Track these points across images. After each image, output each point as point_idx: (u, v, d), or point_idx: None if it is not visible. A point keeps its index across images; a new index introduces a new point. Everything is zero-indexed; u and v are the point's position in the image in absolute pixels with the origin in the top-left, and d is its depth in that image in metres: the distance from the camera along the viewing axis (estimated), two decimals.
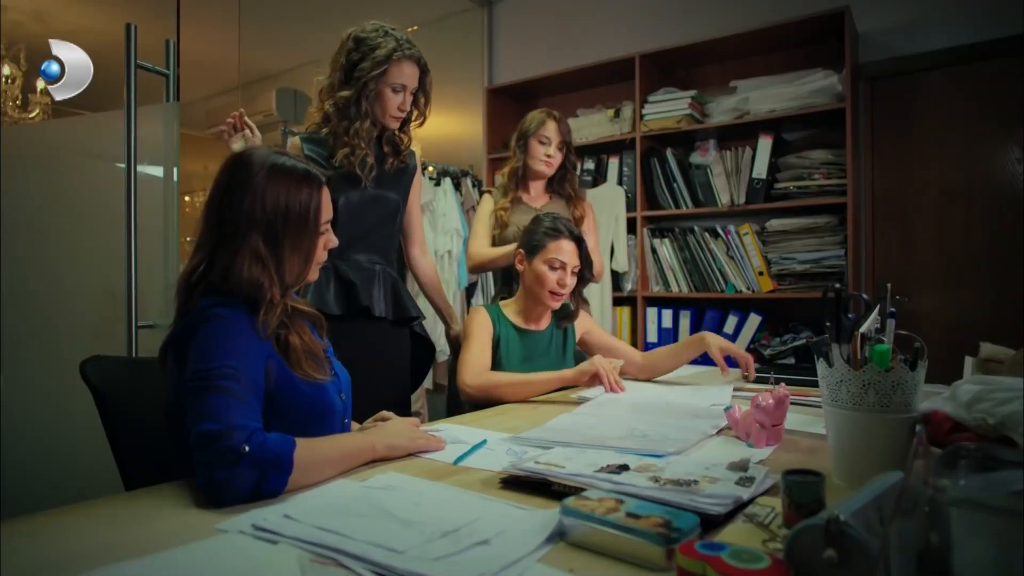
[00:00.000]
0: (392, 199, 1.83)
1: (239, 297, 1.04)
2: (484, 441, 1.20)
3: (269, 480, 0.87)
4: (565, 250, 1.80)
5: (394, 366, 1.83)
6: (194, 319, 1.01)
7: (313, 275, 1.17)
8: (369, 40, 1.69)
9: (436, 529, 0.74)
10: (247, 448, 0.86)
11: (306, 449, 0.92)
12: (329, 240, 1.17)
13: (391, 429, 1.14)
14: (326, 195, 1.14)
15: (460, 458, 1.09)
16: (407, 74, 1.72)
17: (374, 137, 1.77)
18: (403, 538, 0.71)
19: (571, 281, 1.83)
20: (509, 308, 1.91)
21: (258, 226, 1.05)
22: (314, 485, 0.92)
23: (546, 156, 2.27)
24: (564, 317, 1.94)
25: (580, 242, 1.84)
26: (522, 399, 1.66)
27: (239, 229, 1.05)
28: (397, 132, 1.83)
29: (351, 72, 1.69)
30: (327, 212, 1.14)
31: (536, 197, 2.35)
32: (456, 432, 1.27)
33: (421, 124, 1.87)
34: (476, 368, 1.72)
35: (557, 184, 2.35)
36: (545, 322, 1.92)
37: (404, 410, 1.81)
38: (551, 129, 2.27)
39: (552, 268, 1.80)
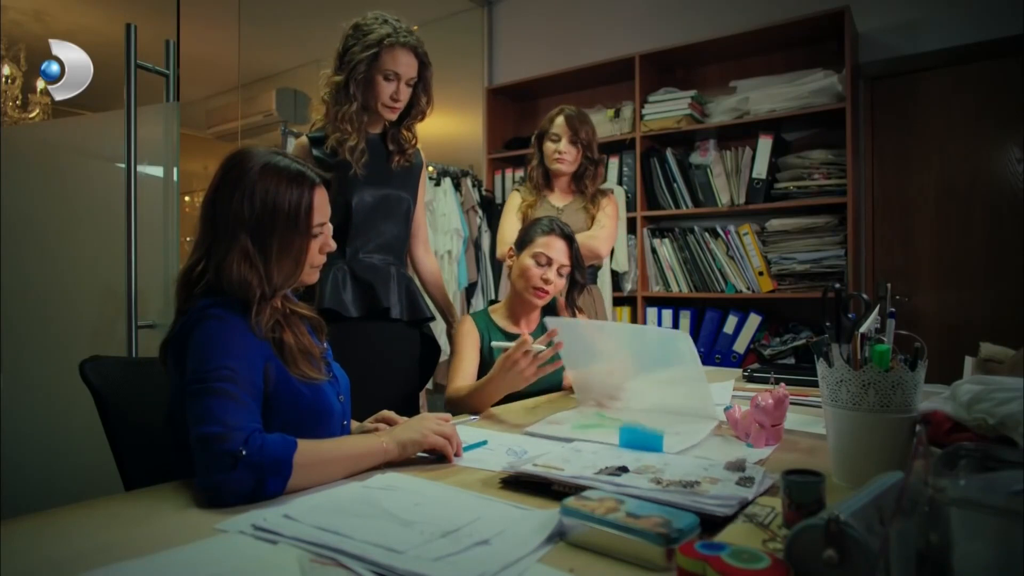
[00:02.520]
0: (404, 199, 1.82)
1: (233, 296, 1.03)
2: (485, 441, 1.20)
3: (267, 483, 0.87)
4: (552, 246, 1.77)
5: (406, 366, 1.83)
6: (191, 319, 1.01)
7: (309, 278, 1.15)
8: (365, 26, 1.66)
9: (436, 529, 0.74)
10: (244, 451, 0.86)
11: (308, 451, 0.92)
12: (326, 243, 1.14)
13: (405, 424, 1.11)
14: (320, 196, 1.11)
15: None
16: (401, 62, 1.67)
17: (364, 123, 1.72)
18: (403, 538, 0.71)
19: (556, 279, 1.77)
20: (498, 312, 1.88)
21: (247, 224, 1.04)
22: (318, 487, 0.92)
23: (557, 153, 2.23)
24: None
25: (571, 241, 1.80)
26: (478, 409, 1.53)
27: (229, 227, 1.04)
28: (403, 130, 1.80)
29: (344, 57, 1.67)
30: (321, 214, 1.11)
31: (559, 196, 2.32)
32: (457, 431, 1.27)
33: (422, 119, 1.83)
34: (455, 383, 1.66)
35: (579, 181, 2.31)
36: (535, 322, 1.87)
37: (413, 410, 1.81)
38: (559, 125, 2.23)
39: (538, 263, 1.76)
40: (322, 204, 1.12)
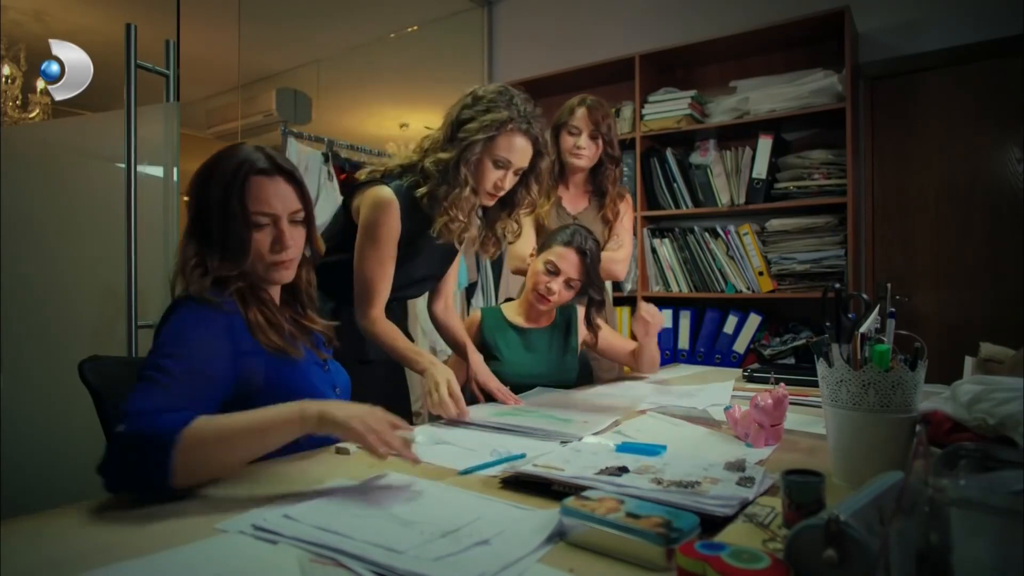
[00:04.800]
0: (439, 277, 1.79)
1: (189, 272, 1.06)
2: (523, 454, 1.09)
3: (147, 459, 0.82)
4: (565, 258, 1.78)
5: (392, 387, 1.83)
6: (168, 309, 1.05)
7: (270, 274, 1.12)
8: (488, 100, 1.50)
9: (436, 529, 0.74)
10: (123, 428, 0.84)
11: (204, 426, 0.86)
12: (279, 240, 1.10)
13: (349, 405, 0.95)
14: (259, 185, 1.07)
15: (472, 469, 1.03)
16: (516, 149, 1.51)
17: (476, 207, 1.57)
18: (403, 538, 0.71)
19: (561, 290, 1.79)
20: (511, 308, 1.94)
21: (198, 211, 1.09)
22: (230, 465, 0.86)
23: (576, 148, 2.08)
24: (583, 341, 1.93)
25: (584, 256, 1.78)
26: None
27: (191, 214, 1.10)
28: (511, 221, 1.67)
29: (457, 130, 1.51)
30: (261, 203, 1.07)
31: (576, 198, 2.19)
32: (458, 437, 1.26)
33: (532, 211, 1.73)
34: None
35: (596, 180, 2.17)
36: (546, 321, 1.93)
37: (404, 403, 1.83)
38: (579, 117, 2.08)
39: (547, 271, 1.79)
40: (262, 193, 1.08)
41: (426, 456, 1.09)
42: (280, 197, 1.10)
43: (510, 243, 1.75)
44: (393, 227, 1.52)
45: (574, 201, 2.22)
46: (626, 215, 2.20)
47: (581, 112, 2.09)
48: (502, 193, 1.57)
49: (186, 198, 1.20)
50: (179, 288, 1.08)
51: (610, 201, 2.17)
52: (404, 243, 1.55)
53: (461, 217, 1.51)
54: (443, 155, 1.50)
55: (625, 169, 3.29)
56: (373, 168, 1.62)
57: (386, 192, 1.51)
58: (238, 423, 0.88)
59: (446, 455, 1.12)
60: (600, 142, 2.11)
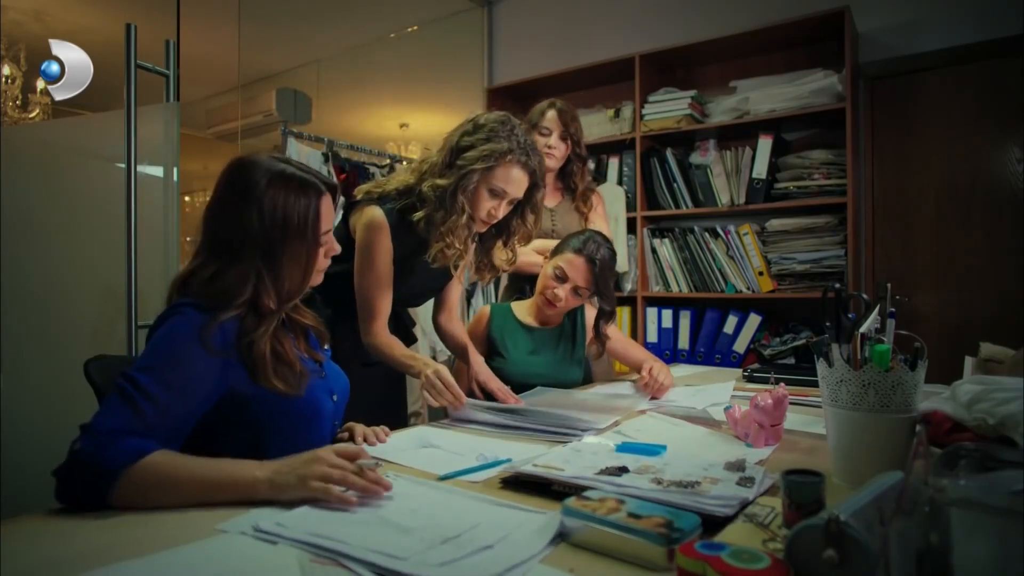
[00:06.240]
0: (436, 291, 1.79)
1: (227, 304, 1.01)
2: (509, 459, 1.08)
3: (90, 482, 0.83)
4: (573, 265, 1.77)
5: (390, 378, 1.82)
6: (166, 313, 1.02)
7: (315, 280, 1.16)
8: (488, 128, 1.50)
9: (437, 535, 0.73)
10: (78, 446, 0.85)
11: (156, 467, 0.85)
12: (331, 248, 1.15)
13: (294, 462, 0.89)
14: (326, 204, 1.11)
15: (452, 475, 1.00)
16: (513, 180, 1.52)
17: (472, 234, 1.56)
18: (403, 545, 0.71)
19: (567, 296, 1.78)
20: (522, 307, 1.94)
21: (256, 237, 1.03)
22: (170, 506, 0.84)
23: (547, 147, 2.18)
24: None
25: (594, 264, 1.77)
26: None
27: (236, 239, 1.04)
28: (507, 250, 1.68)
29: (456, 157, 1.50)
30: (327, 222, 1.12)
31: (549, 194, 2.27)
32: (449, 441, 1.25)
33: (526, 242, 1.73)
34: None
35: (565, 178, 2.29)
36: (555, 322, 1.93)
37: (399, 402, 1.83)
38: (550, 119, 2.20)
39: (555, 276, 1.79)
40: (327, 212, 1.12)
41: (410, 460, 1.09)
42: (333, 211, 1.14)
43: (504, 271, 1.76)
44: (386, 249, 1.54)
45: (548, 197, 2.29)
46: (599, 205, 2.31)
47: (552, 114, 2.21)
48: (494, 221, 1.58)
49: (186, 198, 1.18)
50: (181, 295, 1.05)
51: (580, 195, 2.29)
52: (397, 262, 1.57)
53: (458, 244, 1.51)
54: (441, 181, 1.50)
55: (625, 169, 3.30)
56: (370, 189, 1.63)
57: (377, 214, 1.54)
58: (190, 473, 0.87)
59: (430, 459, 1.11)
60: (569, 142, 2.23)
